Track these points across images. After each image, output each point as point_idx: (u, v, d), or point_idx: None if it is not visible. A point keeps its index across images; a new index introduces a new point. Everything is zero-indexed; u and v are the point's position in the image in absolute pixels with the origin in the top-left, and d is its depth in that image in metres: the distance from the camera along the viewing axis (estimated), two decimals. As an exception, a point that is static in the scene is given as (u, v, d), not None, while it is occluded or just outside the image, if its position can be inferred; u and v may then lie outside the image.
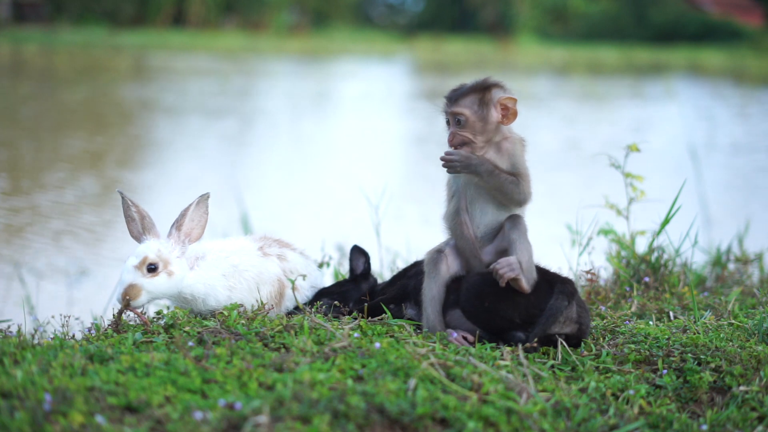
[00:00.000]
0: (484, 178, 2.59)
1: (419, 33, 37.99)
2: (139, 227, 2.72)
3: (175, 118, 13.25)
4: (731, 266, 3.95)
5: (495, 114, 2.64)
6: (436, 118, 2.71)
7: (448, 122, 2.66)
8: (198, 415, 2.01)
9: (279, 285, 2.86)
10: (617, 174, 3.60)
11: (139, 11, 35.44)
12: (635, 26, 36.89)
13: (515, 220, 2.63)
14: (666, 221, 3.41)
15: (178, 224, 2.73)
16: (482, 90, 2.64)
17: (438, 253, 2.69)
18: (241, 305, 2.70)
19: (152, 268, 2.66)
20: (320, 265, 3.29)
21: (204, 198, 2.75)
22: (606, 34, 36.21)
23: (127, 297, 2.62)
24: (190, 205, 2.74)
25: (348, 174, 9.11)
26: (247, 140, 11.83)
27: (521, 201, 2.64)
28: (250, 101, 15.62)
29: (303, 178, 9.00)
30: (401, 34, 38.83)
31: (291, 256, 2.95)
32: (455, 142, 2.63)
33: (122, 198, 2.73)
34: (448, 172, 2.63)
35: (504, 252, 2.61)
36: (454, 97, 2.65)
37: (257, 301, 2.79)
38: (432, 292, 2.65)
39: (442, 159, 2.60)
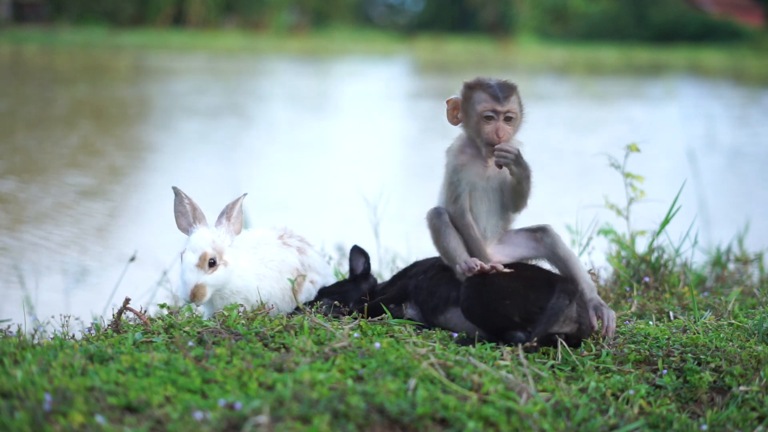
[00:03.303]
0: (524, 178, 2.58)
1: (419, 33, 37.98)
2: (190, 218, 2.75)
3: (175, 117, 13.24)
4: (731, 266, 3.94)
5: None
6: (435, 118, 2.71)
7: (488, 117, 2.58)
8: (198, 415, 2.01)
9: (297, 275, 2.90)
10: (617, 174, 3.60)
11: (139, 11, 35.44)
12: (635, 26, 36.88)
13: (553, 233, 2.69)
14: (666, 221, 3.41)
15: (227, 215, 2.77)
16: (517, 91, 2.65)
17: (438, 208, 2.69)
18: (242, 305, 2.70)
19: (213, 263, 2.68)
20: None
21: (242, 197, 2.80)
22: (606, 34, 36.21)
23: (195, 297, 2.66)
24: (238, 199, 2.78)
25: (347, 174, 9.11)
26: (246, 140, 11.81)
27: (526, 207, 2.68)
28: (249, 101, 15.61)
29: (302, 178, 9.00)
30: (401, 34, 38.81)
31: (310, 252, 2.99)
32: (506, 138, 2.59)
33: (176, 194, 2.75)
34: (498, 163, 2.56)
35: (524, 260, 2.70)
36: (506, 94, 2.59)
37: (282, 290, 2.83)
38: (451, 238, 2.64)
39: (499, 149, 2.54)
